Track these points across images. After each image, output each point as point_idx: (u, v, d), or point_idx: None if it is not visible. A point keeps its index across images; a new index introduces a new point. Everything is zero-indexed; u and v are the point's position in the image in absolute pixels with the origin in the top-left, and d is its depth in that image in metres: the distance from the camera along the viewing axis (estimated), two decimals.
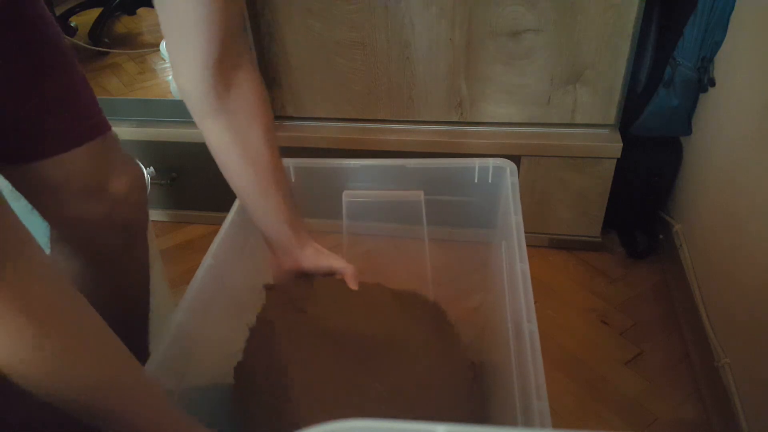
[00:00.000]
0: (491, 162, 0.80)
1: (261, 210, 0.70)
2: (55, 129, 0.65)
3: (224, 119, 0.62)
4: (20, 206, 0.67)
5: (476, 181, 0.81)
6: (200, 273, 0.67)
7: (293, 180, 0.82)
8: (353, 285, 0.73)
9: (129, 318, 0.85)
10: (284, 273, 0.75)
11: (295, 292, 0.74)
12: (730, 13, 0.98)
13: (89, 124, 0.69)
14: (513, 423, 0.55)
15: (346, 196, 0.83)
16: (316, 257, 0.73)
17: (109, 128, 0.71)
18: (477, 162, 0.80)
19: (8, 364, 0.39)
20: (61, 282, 0.43)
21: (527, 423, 0.50)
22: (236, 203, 0.78)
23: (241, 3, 0.57)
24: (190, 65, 0.58)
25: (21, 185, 0.68)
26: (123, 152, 0.74)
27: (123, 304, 0.82)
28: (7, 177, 0.66)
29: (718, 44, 1.02)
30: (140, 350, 0.88)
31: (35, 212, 0.70)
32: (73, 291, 0.44)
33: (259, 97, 0.63)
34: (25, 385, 0.40)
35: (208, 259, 0.69)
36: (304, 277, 0.75)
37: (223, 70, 0.59)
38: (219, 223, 0.76)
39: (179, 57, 0.58)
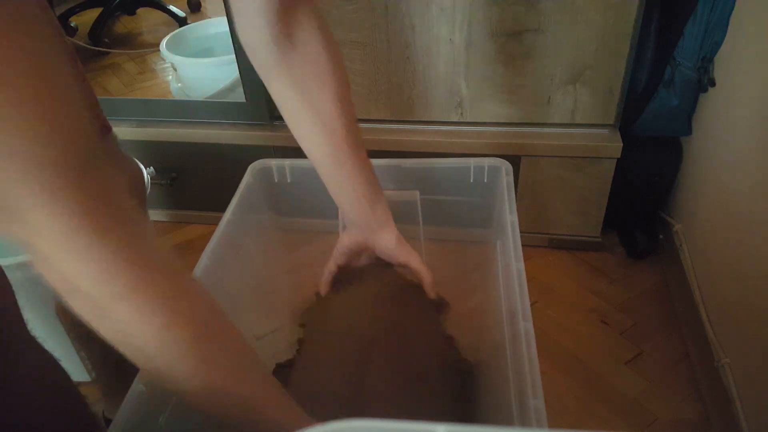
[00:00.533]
0: (486, 162, 0.80)
1: (334, 179, 0.65)
2: None
3: (290, 78, 0.58)
4: None
5: (472, 180, 0.82)
6: (197, 273, 0.67)
7: (289, 180, 0.82)
8: (431, 294, 0.70)
9: None
10: (347, 249, 0.71)
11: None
12: (730, 13, 0.98)
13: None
14: (509, 421, 0.55)
15: None
16: (395, 247, 0.68)
17: (109, 129, 0.71)
18: (472, 162, 0.81)
19: (140, 347, 0.39)
20: (187, 273, 0.43)
21: (523, 420, 0.50)
22: (232, 203, 0.78)
23: None
24: (249, 12, 0.54)
25: None
26: (123, 153, 0.74)
27: None
28: None
29: (718, 44, 1.02)
30: None
31: None
32: (198, 283, 0.44)
33: (330, 56, 0.58)
34: (157, 375, 0.40)
35: (204, 260, 0.69)
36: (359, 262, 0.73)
37: (285, 21, 0.54)
38: (219, 223, 0.76)
39: (239, 5, 0.54)
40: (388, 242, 0.69)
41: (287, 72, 0.57)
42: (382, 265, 0.75)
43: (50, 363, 0.55)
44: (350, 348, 0.66)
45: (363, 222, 0.68)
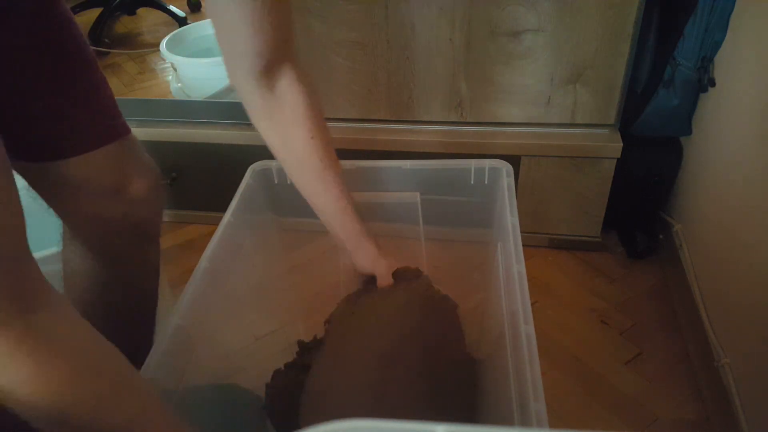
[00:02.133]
0: (487, 163, 0.80)
1: (318, 209, 0.72)
2: (80, 128, 0.66)
3: (271, 123, 0.65)
4: (36, 205, 0.68)
5: (472, 182, 0.81)
6: (196, 275, 0.67)
7: (289, 182, 0.82)
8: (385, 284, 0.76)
9: (137, 319, 0.85)
10: (348, 274, 0.79)
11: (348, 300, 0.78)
12: (730, 13, 0.98)
13: (113, 125, 0.70)
14: (510, 424, 0.55)
15: None
16: (366, 261, 0.75)
17: (129, 130, 0.72)
18: (473, 163, 0.81)
19: (35, 402, 0.41)
20: (86, 324, 0.46)
21: (524, 424, 0.50)
22: (232, 204, 0.78)
23: (288, 11, 0.60)
24: (237, 62, 0.60)
25: (39, 183, 0.69)
26: (143, 155, 0.75)
27: (132, 305, 0.83)
28: (24, 174, 0.67)
29: (718, 44, 1.02)
30: (147, 351, 0.88)
31: (50, 210, 0.71)
32: (97, 333, 0.47)
33: (303, 103, 0.65)
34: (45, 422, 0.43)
35: (203, 262, 0.69)
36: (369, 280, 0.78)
37: (268, 78, 0.61)
38: (219, 223, 0.76)
39: (229, 59, 0.61)
40: (360, 258, 0.76)
41: (270, 119, 0.65)
42: (409, 276, 0.78)
43: None
44: (372, 360, 0.67)
45: (342, 247, 0.75)
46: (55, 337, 0.42)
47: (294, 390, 0.72)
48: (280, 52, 0.61)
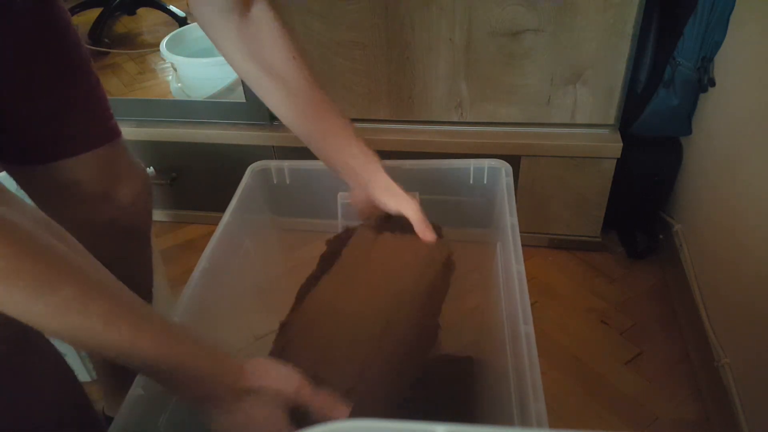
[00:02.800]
0: (486, 163, 0.80)
1: (315, 138, 0.65)
2: (73, 131, 0.66)
3: (249, 49, 0.61)
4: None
5: (471, 182, 0.81)
6: (195, 276, 0.67)
7: (288, 182, 0.82)
8: (423, 235, 0.67)
9: None
10: (361, 210, 0.70)
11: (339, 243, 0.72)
12: (730, 13, 0.98)
13: (104, 128, 0.70)
14: (510, 424, 0.55)
15: (342, 197, 0.83)
16: (387, 195, 0.66)
17: (120, 133, 0.72)
18: (472, 163, 0.80)
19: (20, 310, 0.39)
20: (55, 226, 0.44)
21: (524, 424, 0.50)
22: (231, 204, 0.78)
23: None
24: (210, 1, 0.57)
25: (28, 186, 0.68)
26: (132, 157, 0.74)
27: None
28: (14, 176, 0.67)
29: (718, 44, 1.02)
30: None
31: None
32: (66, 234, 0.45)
33: (279, 25, 0.61)
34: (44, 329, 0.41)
35: (203, 262, 0.69)
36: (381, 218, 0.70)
37: (241, 5, 0.58)
38: (219, 223, 0.76)
39: None
40: (379, 190, 0.66)
41: (246, 42, 0.60)
42: (399, 229, 0.71)
43: (59, 358, 0.56)
44: (357, 339, 0.64)
45: (352, 178, 0.66)
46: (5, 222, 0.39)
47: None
48: None
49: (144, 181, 0.76)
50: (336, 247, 0.73)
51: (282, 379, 0.52)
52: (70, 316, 0.40)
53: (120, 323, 0.43)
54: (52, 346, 0.55)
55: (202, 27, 0.61)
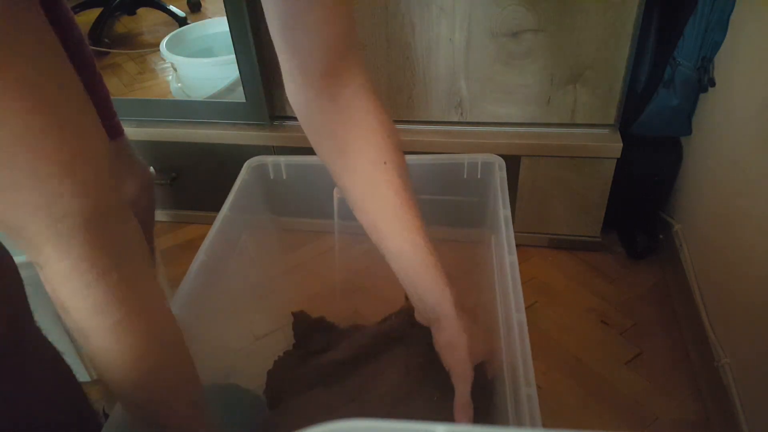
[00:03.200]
0: (480, 158, 0.80)
1: (391, 256, 0.57)
2: None
3: (334, 143, 0.53)
4: None
5: (465, 176, 0.82)
6: (193, 269, 0.67)
7: (285, 177, 0.82)
8: (457, 415, 0.53)
9: None
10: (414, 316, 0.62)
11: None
12: (730, 13, 0.98)
13: (108, 125, 0.70)
14: (503, 409, 0.56)
15: (337, 193, 0.83)
16: (448, 350, 0.56)
17: (123, 131, 0.72)
18: (466, 158, 0.81)
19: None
20: (167, 310, 0.46)
21: (517, 409, 0.50)
22: (229, 199, 0.78)
23: (349, 16, 0.50)
24: (296, 80, 0.52)
25: None
26: (135, 155, 0.75)
27: None
28: None
29: (718, 44, 1.02)
30: None
31: None
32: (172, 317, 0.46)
33: (373, 117, 0.53)
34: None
35: (200, 256, 0.69)
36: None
37: (328, 86, 0.51)
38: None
39: (288, 71, 0.52)
40: (442, 339, 0.56)
41: (331, 133, 0.54)
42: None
43: (58, 359, 0.56)
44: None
45: (418, 305, 0.59)
46: (142, 290, 0.41)
47: (293, 377, 0.73)
48: (346, 48, 0.50)
49: (147, 179, 0.76)
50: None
51: None
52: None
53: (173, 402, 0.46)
54: (50, 346, 0.55)
55: (292, 103, 0.54)
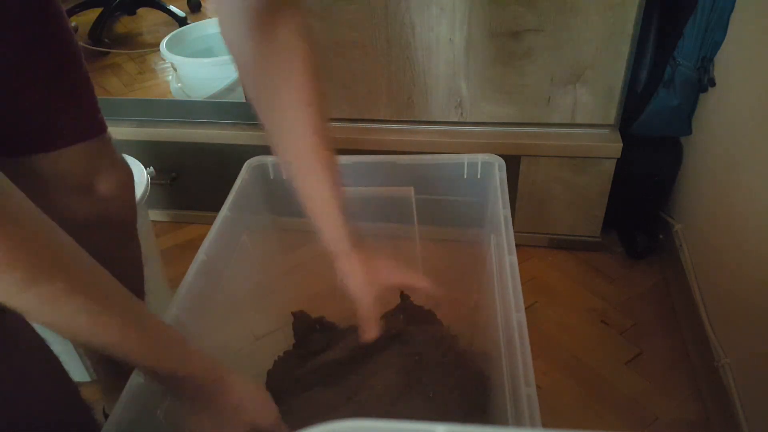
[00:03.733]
0: (480, 158, 0.81)
1: (306, 195, 0.61)
2: (60, 123, 0.66)
3: (266, 81, 0.55)
4: None
5: (465, 176, 0.82)
6: (193, 268, 0.67)
7: (285, 177, 0.82)
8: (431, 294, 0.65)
9: None
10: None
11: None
12: (730, 13, 0.98)
13: (91, 122, 0.69)
14: (503, 409, 0.56)
15: None
16: (349, 279, 0.63)
17: (106, 128, 0.72)
18: (466, 158, 0.81)
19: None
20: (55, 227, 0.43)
21: (516, 408, 0.51)
22: (229, 199, 0.79)
23: None
24: (232, 16, 0.52)
25: (12, 179, 0.67)
26: (115, 153, 0.74)
27: None
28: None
29: (718, 44, 1.02)
30: None
31: None
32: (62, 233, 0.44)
33: (304, 62, 0.55)
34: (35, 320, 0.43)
35: (200, 255, 0.69)
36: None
37: (265, 23, 0.52)
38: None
39: (223, 7, 0.52)
40: (342, 275, 0.64)
41: (261, 70, 0.55)
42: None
43: (54, 363, 0.56)
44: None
45: (324, 247, 0.64)
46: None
47: (293, 377, 0.73)
48: None
49: (126, 176, 0.75)
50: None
51: (262, 409, 0.55)
52: (59, 309, 0.41)
53: (109, 320, 0.44)
54: (47, 353, 0.55)
55: (224, 37, 0.55)
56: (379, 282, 0.64)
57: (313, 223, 0.63)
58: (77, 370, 1.02)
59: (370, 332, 0.64)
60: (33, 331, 0.53)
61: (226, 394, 0.52)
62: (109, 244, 0.76)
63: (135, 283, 0.84)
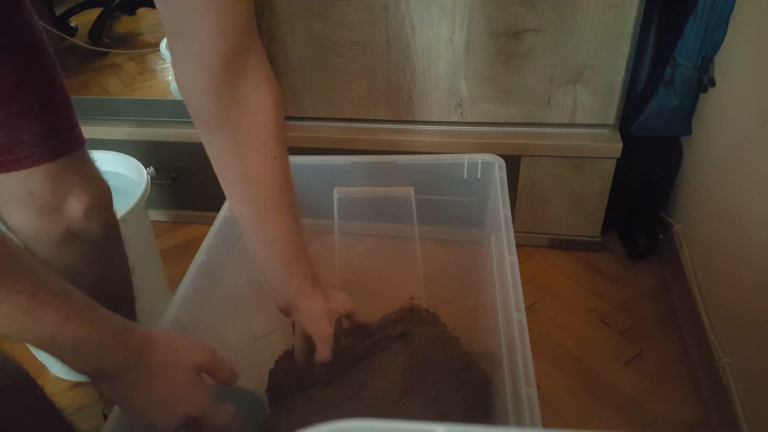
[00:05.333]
0: (480, 157, 0.81)
1: (255, 240, 0.62)
2: (28, 142, 0.62)
3: (227, 134, 0.54)
4: None
5: (465, 176, 0.82)
6: (193, 269, 0.67)
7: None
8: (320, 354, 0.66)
9: None
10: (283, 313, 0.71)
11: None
12: (730, 13, 0.98)
13: (64, 138, 0.66)
14: (503, 409, 0.56)
15: (338, 192, 0.84)
16: (308, 320, 0.66)
17: (82, 143, 0.68)
18: (466, 158, 0.81)
19: None
20: None
21: (517, 408, 0.51)
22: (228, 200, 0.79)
23: (250, 4, 0.47)
24: (189, 58, 0.49)
25: None
26: (91, 168, 0.71)
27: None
28: None
29: (718, 44, 1.02)
30: None
31: None
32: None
33: (270, 113, 0.55)
34: None
35: (200, 255, 0.69)
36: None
37: (228, 75, 0.50)
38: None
39: (179, 56, 0.50)
40: (304, 311, 0.66)
41: (226, 129, 0.54)
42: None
43: (24, 378, 0.54)
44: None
45: (283, 291, 0.66)
46: None
47: (294, 376, 0.73)
48: (246, 34, 0.49)
49: (102, 191, 0.72)
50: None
51: (196, 349, 0.53)
52: None
53: (16, 295, 0.41)
54: (16, 369, 0.54)
55: (181, 89, 0.52)
56: (335, 311, 0.67)
57: (272, 271, 0.63)
58: (74, 372, 1.02)
59: (328, 352, 0.66)
60: None
61: (158, 353, 0.49)
62: (89, 258, 0.73)
63: (121, 291, 0.82)
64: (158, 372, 0.49)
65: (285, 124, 0.57)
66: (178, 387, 0.51)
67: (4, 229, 0.67)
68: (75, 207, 0.68)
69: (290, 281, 0.64)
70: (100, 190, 0.71)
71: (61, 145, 0.65)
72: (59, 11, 2.08)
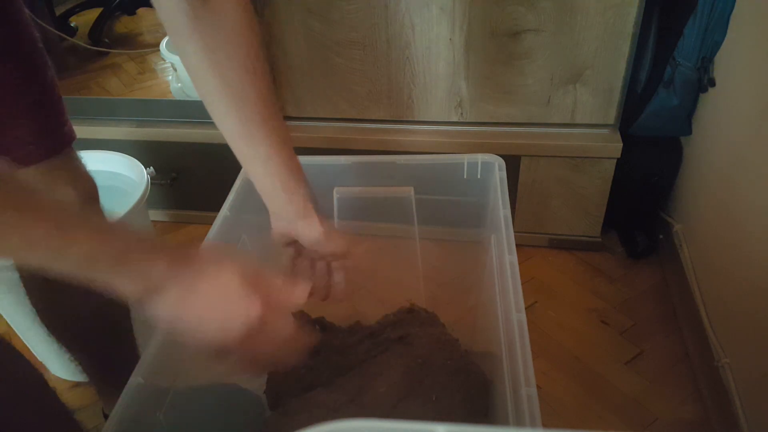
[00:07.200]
0: (480, 157, 0.81)
1: (248, 160, 0.59)
2: (24, 140, 0.62)
3: (200, 41, 0.52)
4: None
5: (465, 176, 0.82)
6: None
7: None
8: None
9: (111, 326, 0.84)
10: (280, 242, 0.66)
11: None
12: (730, 13, 0.98)
13: (53, 138, 0.66)
14: (503, 409, 0.56)
15: (337, 192, 0.84)
16: (319, 239, 0.62)
17: (71, 140, 0.68)
18: (466, 158, 0.81)
19: None
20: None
21: (517, 408, 0.51)
22: (229, 199, 0.78)
23: None
24: None
25: None
26: (78, 165, 0.70)
27: (100, 314, 0.80)
28: None
29: (718, 44, 1.02)
30: (130, 355, 0.87)
31: None
32: None
33: (245, 23, 0.53)
34: None
35: None
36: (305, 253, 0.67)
37: None
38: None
39: None
40: (310, 234, 0.62)
41: (198, 35, 0.52)
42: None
43: (31, 374, 0.54)
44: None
45: (281, 211, 0.62)
46: None
47: (293, 377, 0.73)
48: None
49: (90, 187, 0.71)
50: None
51: (241, 259, 0.49)
52: None
53: (43, 222, 0.38)
54: (24, 366, 0.54)
55: (159, 16, 0.52)
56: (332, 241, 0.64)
57: (270, 190, 0.61)
58: (77, 371, 1.02)
59: (344, 268, 0.67)
60: (8, 345, 0.52)
61: (202, 260, 0.46)
62: None
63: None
64: (207, 277, 0.46)
65: (259, 38, 0.55)
66: (231, 289, 0.47)
67: None
68: (68, 201, 0.67)
69: (291, 199, 0.60)
70: (88, 186, 0.72)
71: (53, 143, 0.65)
72: (59, 11, 2.08)
